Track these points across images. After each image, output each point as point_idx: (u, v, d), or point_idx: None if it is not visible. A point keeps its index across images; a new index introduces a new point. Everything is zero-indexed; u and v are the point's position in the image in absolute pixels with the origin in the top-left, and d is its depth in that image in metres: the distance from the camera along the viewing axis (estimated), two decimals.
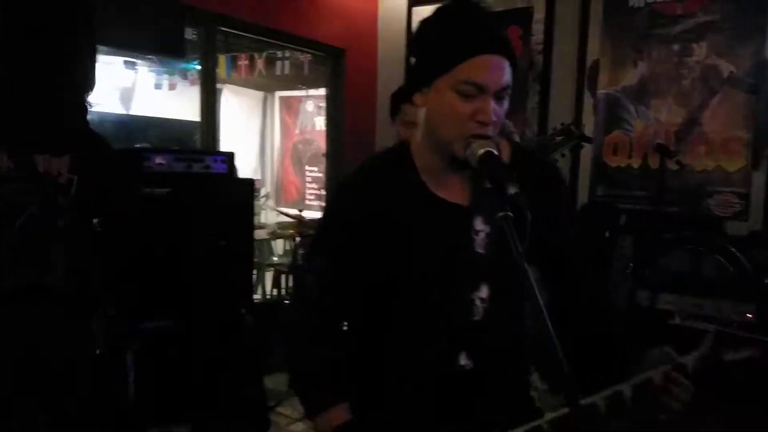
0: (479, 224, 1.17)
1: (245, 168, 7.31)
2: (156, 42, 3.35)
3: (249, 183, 3.27)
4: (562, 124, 2.73)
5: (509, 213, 0.96)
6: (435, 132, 1.14)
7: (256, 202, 6.83)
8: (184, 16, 3.38)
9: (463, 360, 1.16)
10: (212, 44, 3.67)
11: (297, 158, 7.37)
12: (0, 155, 1.53)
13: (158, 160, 2.91)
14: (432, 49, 1.12)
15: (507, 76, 1.09)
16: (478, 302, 1.17)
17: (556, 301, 1.21)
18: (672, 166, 3.27)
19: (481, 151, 1.06)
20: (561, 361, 0.85)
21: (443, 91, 1.09)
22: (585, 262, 1.30)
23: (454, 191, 1.19)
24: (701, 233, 3.37)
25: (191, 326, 3.00)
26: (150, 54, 3.75)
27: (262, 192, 7.27)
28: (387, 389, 1.20)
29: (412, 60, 1.17)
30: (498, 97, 1.09)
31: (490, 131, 1.09)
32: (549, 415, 1.01)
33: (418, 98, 1.16)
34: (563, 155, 2.68)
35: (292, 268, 4.22)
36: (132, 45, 3.28)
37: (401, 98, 2.24)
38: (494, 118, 1.09)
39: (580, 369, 0.95)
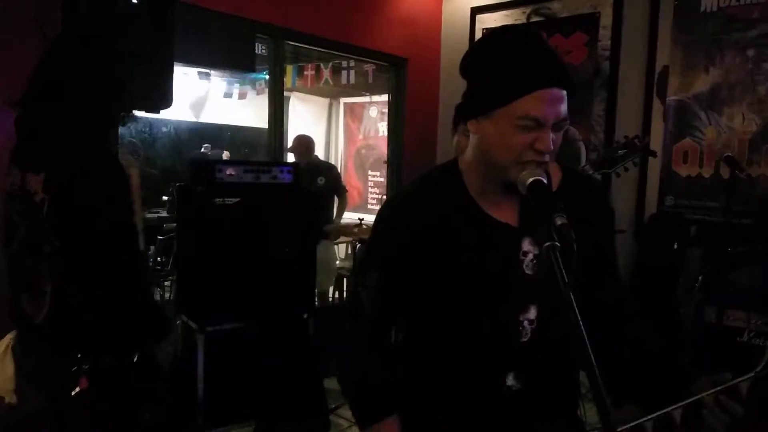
0: (528, 245, 1.19)
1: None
2: (228, 57, 3.52)
3: (313, 195, 3.38)
4: (626, 137, 2.67)
5: (556, 243, 0.98)
6: (489, 158, 1.16)
7: None
8: (254, 32, 3.53)
9: (511, 381, 1.18)
10: (280, 57, 3.81)
11: (360, 163, 7.49)
12: (14, 171, 1.58)
13: (229, 171, 3.07)
14: (491, 79, 1.13)
15: (565, 107, 1.10)
16: (526, 324, 1.19)
17: (597, 340, 1.23)
18: (752, 170, 3.13)
19: (530, 179, 1.08)
20: (601, 394, 0.88)
21: (501, 122, 1.10)
22: (629, 297, 1.32)
23: (503, 211, 1.20)
24: None
25: (258, 329, 3.15)
26: (223, 69, 3.92)
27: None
28: (436, 406, 1.23)
29: (468, 83, 1.20)
30: (557, 127, 1.11)
31: (546, 159, 1.11)
32: None
33: (472, 125, 1.17)
34: (626, 169, 2.63)
35: (353, 273, 4.32)
36: (206, 61, 3.46)
37: (461, 114, 2.28)
38: (552, 148, 1.11)
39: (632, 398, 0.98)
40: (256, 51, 3.79)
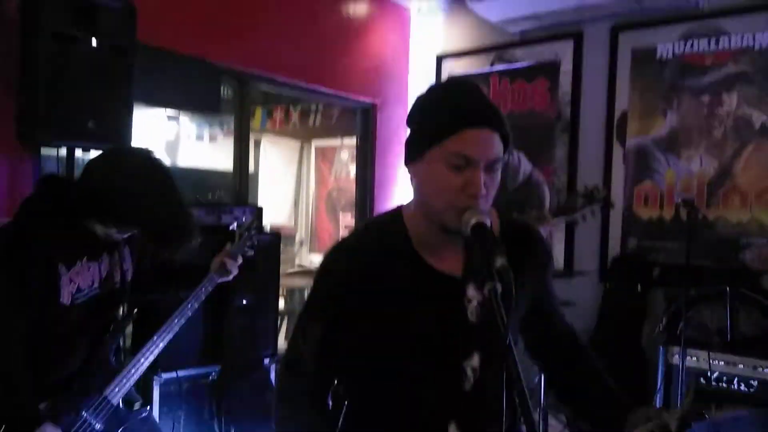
0: (471, 292, 1.18)
1: (281, 215, 7.47)
2: (193, 99, 3.52)
3: (276, 235, 3.34)
4: (585, 187, 2.72)
5: (497, 285, 0.97)
6: (427, 202, 1.16)
7: (290, 248, 6.94)
8: (219, 75, 3.55)
9: (453, 430, 1.15)
10: (245, 101, 3.82)
11: (331, 205, 7.48)
12: None
13: None
14: (424, 122, 1.16)
15: (497, 149, 1.11)
16: (469, 371, 1.17)
17: (545, 369, 1.26)
18: (710, 212, 3.19)
19: (473, 221, 1.07)
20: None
21: (434, 162, 1.12)
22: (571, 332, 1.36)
23: (446, 259, 1.20)
24: (736, 288, 3.25)
25: (217, 375, 3.05)
26: (188, 110, 3.92)
27: (297, 238, 7.39)
28: None
29: (409, 131, 1.22)
30: (489, 169, 1.11)
31: (480, 204, 1.11)
32: None
33: (410, 169, 1.19)
34: (584, 219, 2.67)
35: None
36: (170, 102, 3.46)
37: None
38: (484, 191, 1.10)
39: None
40: (222, 94, 3.80)
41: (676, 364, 2.84)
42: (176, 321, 2.08)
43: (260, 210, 3.15)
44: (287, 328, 5.15)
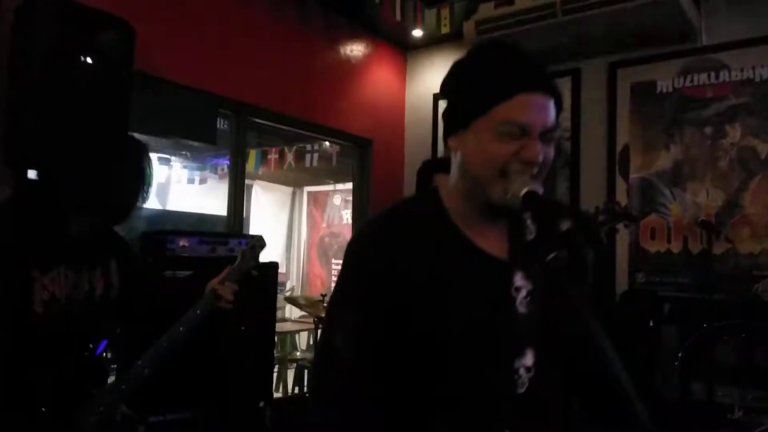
0: (520, 280, 1.04)
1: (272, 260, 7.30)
2: (189, 128, 3.42)
3: (273, 267, 3.18)
4: (604, 202, 2.61)
5: (562, 252, 0.84)
6: (471, 176, 1.03)
7: (279, 295, 6.73)
8: (216, 105, 3.47)
9: None
10: (243, 132, 3.72)
11: (323, 251, 7.33)
12: None
13: (182, 242, 2.86)
14: (469, 88, 1.03)
15: (552, 116, 1.00)
16: (522, 371, 1.01)
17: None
18: (719, 245, 3.09)
19: (525, 190, 0.95)
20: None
21: (481, 133, 0.99)
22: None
23: (490, 241, 1.06)
24: (752, 321, 3.13)
25: (211, 417, 2.82)
26: (183, 139, 3.81)
27: (288, 285, 7.19)
28: None
29: (445, 104, 1.10)
30: (544, 138, 0.99)
31: (535, 172, 0.99)
32: None
33: (452, 142, 1.06)
34: (615, 230, 2.56)
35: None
36: (166, 131, 3.35)
37: (431, 170, 2.18)
38: (540, 158, 0.98)
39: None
40: (219, 126, 3.71)
41: (701, 399, 2.67)
42: (165, 346, 1.88)
43: (263, 241, 3.01)
44: (278, 374, 4.89)
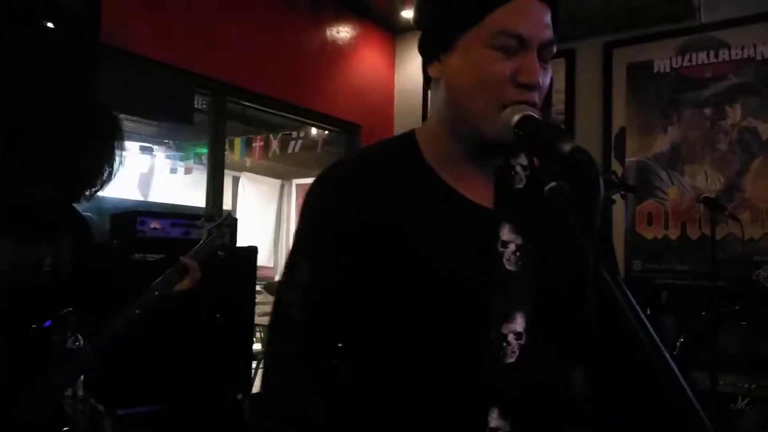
0: (508, 233, 0.88)
1: (260, 256, 7.12)
2: (163, 108, 3.26)
3: (251, 251, 3.02)
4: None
5: (563, 183, 0.69)
6: (459, 106, 0.87)
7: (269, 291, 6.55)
8: (193, 84, 3.30)
9: (495, 421, 0.82)
10: (222, 114, 3.55)
11: None
12: None
13: (153, 224, 2.70)
14: (452, 1, 0.87)
15: (551, 29, 0.85)
16: (511, 338, 0.85)
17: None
18: (719, 230, 2.95)
19: (518, 116, 0.80)
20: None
21: (471, 50, 0.84)
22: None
23: (473, 188, 0.90)
24: (753, 308, 2.99)
25: (184, 410, 2.66)
26: (158, 119, 3.65)
27: (276, 278, 7.03)
28: None
29: (423, 23, 0.93)
30: (541, 55, 0.84)
31: (535, 98, 0.83)
32: None
33: (434, 68, 0.90)
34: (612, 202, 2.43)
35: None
36: (139, 110, 3.18)
37: None
38: (540, 81, 0.83)
39: None
40: (198, 106, 3.54)
41: (704, 388, 2.53)
42: (117, 330, 1.67)
43: (235, 220, 2.84)
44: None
